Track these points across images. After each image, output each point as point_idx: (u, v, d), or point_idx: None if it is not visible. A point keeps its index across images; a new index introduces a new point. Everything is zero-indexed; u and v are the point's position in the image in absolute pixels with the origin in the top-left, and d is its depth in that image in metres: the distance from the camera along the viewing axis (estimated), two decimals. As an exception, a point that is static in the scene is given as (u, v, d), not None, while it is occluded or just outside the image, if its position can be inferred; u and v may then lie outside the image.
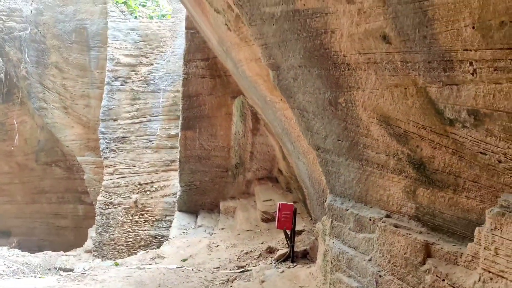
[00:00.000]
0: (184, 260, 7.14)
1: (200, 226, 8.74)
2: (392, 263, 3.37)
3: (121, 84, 10.30)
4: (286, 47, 3.77)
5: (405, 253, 3.23)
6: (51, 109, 11.36)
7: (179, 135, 9.06)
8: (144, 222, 10.72)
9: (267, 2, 3.68)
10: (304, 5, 3.21)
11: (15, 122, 14.72)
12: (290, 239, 6.31)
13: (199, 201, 9.30)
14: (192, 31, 8.73)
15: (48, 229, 16.75)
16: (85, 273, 6.48)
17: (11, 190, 16.78)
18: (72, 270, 9.34)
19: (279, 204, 6.40)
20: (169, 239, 8.53)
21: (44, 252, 11.22)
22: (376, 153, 3.42)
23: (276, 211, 6.47)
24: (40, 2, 11.42)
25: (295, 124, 5.00)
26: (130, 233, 10.67)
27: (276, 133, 7.36)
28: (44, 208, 16.56)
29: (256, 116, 8.95)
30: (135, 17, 10.38)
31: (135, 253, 8.70)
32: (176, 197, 9.67)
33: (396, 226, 3.38)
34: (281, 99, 5.23)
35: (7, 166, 16.41)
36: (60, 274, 8.54)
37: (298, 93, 4.07)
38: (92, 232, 10.98)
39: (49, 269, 9.39)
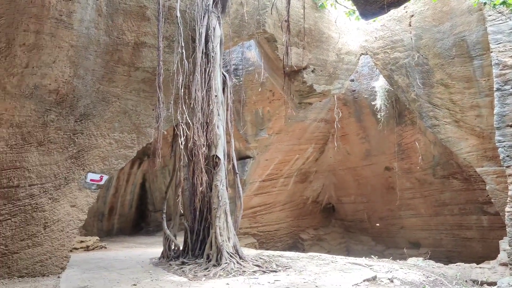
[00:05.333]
0: None
1: None
2: None
3: (512, 87, 9.67)
4: None
5: None
6: (443, 125, 11.75)
7: None
8: None
9: None
10: None
11: (416, 143, 15.97)
12: None
13: None
14: None
15: (454, 241, 17.07)
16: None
17: (415, 204, 18.12)
18: (493, 283, 9.22)
19: None
20: None
21: (457, 263, 11.48)
22: None
23: None
24: (417, 27, 12.18)
25: None
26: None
27: None
28: (447, 219, 17.04)
29: None
30: (517, 13, 9.64)
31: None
32: None
33: None
34: None
35: (408, 182, 17.86)
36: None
37: None
38: (504, 244, 10.51)
39: (466, 281, 9.55)
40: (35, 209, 8.37)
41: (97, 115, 9.00)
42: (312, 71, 12.72)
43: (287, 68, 11.73)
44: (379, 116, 16.49)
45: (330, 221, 21.91)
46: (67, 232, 8.78)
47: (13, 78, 7.91)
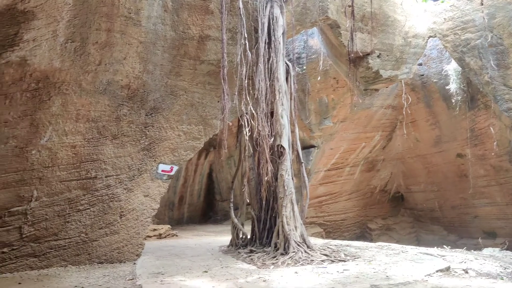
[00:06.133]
0: None
1: None
2: None
3: None
4: None
5: None
6: (520, 108, 11.02)
7: None
8: None
9: None
10: None
11: (491, 128, 15.11)
12: None
13: None
14: None
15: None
16: None
17: (490, 192, 17.18)
18: None
19: None
20: None
21: (539, 255, 10.78)
22: None
23: None
24: (490, 6, 11.46)
25: None
26: None
27: None
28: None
29: None
30: None
31: None
32: None
33: None
34: None
35: (483, 169, 16.95)
36: None
37: None
38: None
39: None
40: (111, 199, 8.84)
41: (166, 108, 9.32)
42: (378, 56, 12.35)
43: (352, 54, 11.48)
44: (453, 101, 15.74)
45: (399, 211, 21.35)
46: (141, 220, 9.21)
47: (88, 75, 8.36)
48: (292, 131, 10.43)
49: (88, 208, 8.66)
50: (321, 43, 14.39)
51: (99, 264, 8.67)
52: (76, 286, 6.76)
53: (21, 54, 7.50)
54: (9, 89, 7.66)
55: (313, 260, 8.27)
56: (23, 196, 8.05)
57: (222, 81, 8.94)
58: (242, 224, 10.92)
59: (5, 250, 7.93)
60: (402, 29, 12.70)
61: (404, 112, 15.81)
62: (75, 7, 7.75)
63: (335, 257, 8.61)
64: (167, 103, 9.34)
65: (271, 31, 10.05)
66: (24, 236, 8.08)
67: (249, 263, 8.42)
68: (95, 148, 8.69)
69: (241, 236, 10.74)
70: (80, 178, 8.59)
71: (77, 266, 8.42)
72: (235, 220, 10.81)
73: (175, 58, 9.24)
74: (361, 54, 11.91)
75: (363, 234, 20.18)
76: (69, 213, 8.46)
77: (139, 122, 9.08)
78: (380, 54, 12.37)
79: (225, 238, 11.96)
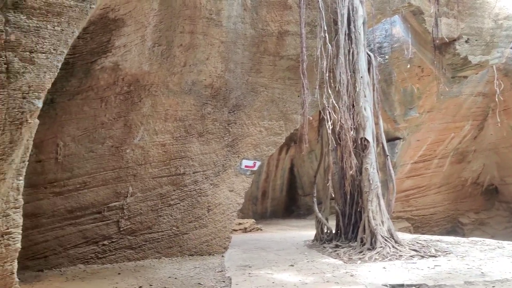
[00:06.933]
0: None
1: None
2: None
3: None
4: None
5: None
6: None
7: None
8: None
9: None
10: None
11: None
12: None
13: None
14: None
15: None
16: None
17: None
18: None
19: None
20: None
21: None
22: None
23: None
24: None
25: None
26: None
27: None
28: None
29: None
30: None
31: None
32: None
33: None
34: None
35: None
36: None
37: None
38: None
39: None
40: (199, 194, 9.21)
41: (247, 105, 9.51)
42: (466, 42, 11.65)
43: (437, 41, 10.94)
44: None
45: (493, 204, 20.00)
46: (228, 214, 9.50)
47: (174, 76, 8.76)
48: (376, 123, 10.19)
49: (178, 203, 9.09)
50: (403, 31, 13.85)
51: (190, 256, 9.08)
52: (170, 277, 7.14)
53: (114, 60, 8.03)
54: (104, 93, 8.25)
55: (401, 256, 8.04)
56: (120, 192, 8.64)
57: (302, 75, 8.92)
58: (326, 219, 10.86)
59: (105, 242, 8.57)
60: (492, 11, 11.86)
61: (496, 99, 14.74)
62: (160, 12, 8.14)
63: (425, 252, 8.30)
64: (248, 100, 9.52)
65: (351, 22, 9.86)
66: (121, 229, 8.68)
67: (335, 258, 8.36)
68: (182, 146, 9.10)
69: (325, 230, 10.69)
70: (170, 175, 9.03)
71: (169, 258, 8.89)
72: (319, 215, 10.78)
73: (255, 55, 9.38)
74: (447, 40, 11.31)
75: (454, 229, 19.18)
76: (161, 207, 8.95)
77: (222, 120, 9.35)
78: (468, 39, 11.66)
79: (309, 233, 11.97)
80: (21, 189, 4.51)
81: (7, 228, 4.41)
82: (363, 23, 10.06)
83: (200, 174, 9.22)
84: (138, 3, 7.56)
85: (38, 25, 4.28)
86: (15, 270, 4.57)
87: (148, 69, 8.40)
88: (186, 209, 9.14)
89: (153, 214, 8.90)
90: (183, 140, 9.09)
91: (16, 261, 4.58)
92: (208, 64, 8.95)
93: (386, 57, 15.15)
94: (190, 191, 9.16)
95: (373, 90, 10.21)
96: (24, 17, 4.20)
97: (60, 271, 7.92)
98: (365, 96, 9.69)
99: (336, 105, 9.16)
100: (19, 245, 4.54)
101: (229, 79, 9.23)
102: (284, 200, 21.53)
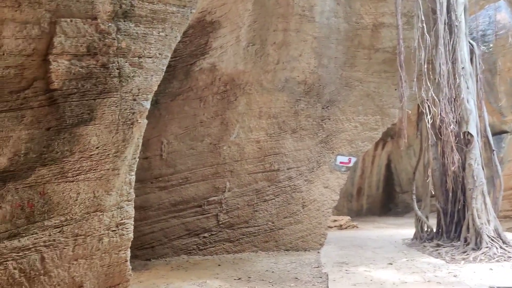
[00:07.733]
0: None
1: None
2: None
3: None
4: None
5: None
6: None
7: None
8: None
9: None
10: None
11: None
12: None
13: None
14: None
15: None
16: None
17: None
18: None
19: None
20: None
21: None
22: None
23: None
24: None
25: None
26: None
27: None
28: None
29: None
30: None
31: None
32: None
33: None
34: None
35: None
36: None
37: None
38: None
39: None
40: (293, 190, 9.31)
41: (341, 100, 9.41)
42: None
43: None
44: None
45: None
46: (323, 211, 9.48)
47: (268, 74, 8.92)
48: (480, 116, 9.60)
49: (273, 199, 9.26)
50: (510, 16, 12.80)
51: (286, 251, 9.20)
52: (267, 271, 7.32)
53: (211, 61, 8.39)
54: (202, 93, 8.65)
55: (510, 257, 7.51)
56: (218, 187, 9.01)
57: (399, 68, 8.63)
58: (426, 217, 10.40)
59: (205, 235, 9.00)
60: None
61: None
62: (254, 12, 8.34)
63: (538, 254, 7.65)
64: (342, 95, 9.41)
65: (451, 10, 9.34)
66: (220, 223, 9.05)
67: (436, 257, 8.01)
68: (276, 142, 9.24)
69: (425, 229, 10.25)
70: (265, 171, 9.23)
71: (266, 252, 9.10)
72: (419, 213, 10.36)
73: (349, 49, 9.25)
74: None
75: None
76: (257, 202, 9.19)
77: (316, 116, 9.34)
78: None
79: (408, 231, 11.54)
80: (133, 183, 4.90)
81: (121, 219, 4.81)
82: (464, 10, 9.50)
83: (294, 170, 9.31)
84: (233, 4, 7.81)
85: (145, 32, 4.61)
86: (128, 258, 4.97)
87: (243, 68, 8.66)
88: (281, 204, 9.28)
89: (249, 208, 9.16)
90: (277, 137, 9.24)
91: (129, 250, 4.97)
92: (301, 60, 9.00)
93: (491, 45, 14.07)
94: (285, 187, 9.28)
95: (477, 81, 9.63)
96: (133, 25, 4.54)
97: (166, 260, 8.47)
98: (467, 88, 9.14)
99: (435, 98, 8.74)
100: (131, 235, 4.93)
101: (322, 75, 9.20)
102: (380, 197, 20.91)
